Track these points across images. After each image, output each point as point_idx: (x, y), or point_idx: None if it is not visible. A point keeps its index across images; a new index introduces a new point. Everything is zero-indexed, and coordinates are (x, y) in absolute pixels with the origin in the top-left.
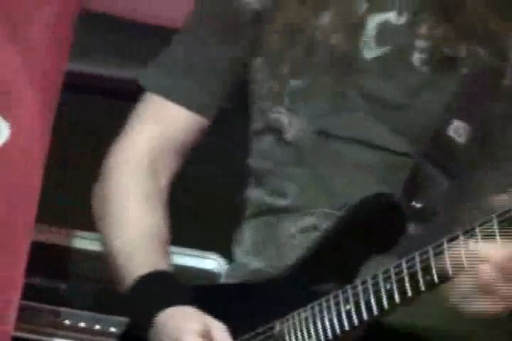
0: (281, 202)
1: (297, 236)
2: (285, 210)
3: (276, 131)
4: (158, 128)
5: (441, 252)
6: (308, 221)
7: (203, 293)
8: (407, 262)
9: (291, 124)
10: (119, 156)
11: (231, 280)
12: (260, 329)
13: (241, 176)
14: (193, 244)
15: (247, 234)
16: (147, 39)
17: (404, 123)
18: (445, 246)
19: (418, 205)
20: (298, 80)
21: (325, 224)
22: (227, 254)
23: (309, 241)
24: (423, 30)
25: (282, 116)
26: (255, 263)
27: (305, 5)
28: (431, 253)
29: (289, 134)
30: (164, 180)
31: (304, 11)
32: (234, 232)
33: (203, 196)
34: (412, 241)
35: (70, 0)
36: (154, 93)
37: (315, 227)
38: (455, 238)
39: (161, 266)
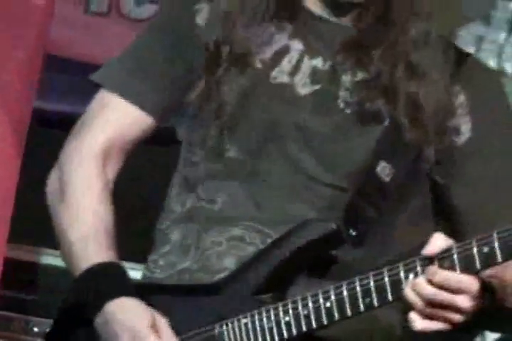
0: (211, 209)
1: (224, 244)
2: (215, 218)
3: (213, 148)
4: (110, 125)
5: (382, 278)
6: (236, 232)
7: (145, 290)
8: (348, 284)
9: (229, 144)
10: (76, 147)
11: (156, 278)
12: (199, 330)
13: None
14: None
15: (176, 236)
16: None
17: (331, 156)
18: (385, 273)
19: (353, 233)
20: (236, 107)
21: (251, 237)
22: None
23: (236, 250)
24: (345, 80)
25: (219, 141)
26: (182, 264)
27: (251, 42)
28: (371, 278)
29: (227, 154)
30: (111, 174)
31: (250, 46)
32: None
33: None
34: (346, 265)
35: (37, 46)
36: (110, 90)
37: (242, 239)
38: (395, 267)
39: (114, 258)
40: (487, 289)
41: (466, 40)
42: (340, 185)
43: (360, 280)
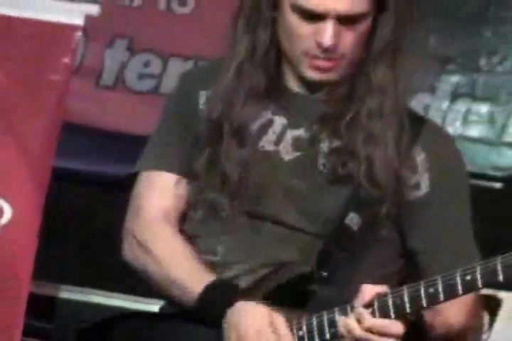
0: (213, 259)
1: None
2: (215, 264)
3: (211, 207)
4: (160, 194)
5: (346, 313)
6: (233, 273)
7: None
8: (317, 317)
9: (226, 206)
10: (140, 219)
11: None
12: None
13: None
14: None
15: None
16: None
17: (310, 210)
18: (336, 313)
19: (325, 274)
20: (231, 170)
21: (245, 276)
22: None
23: None
24: (323, 147)
25: (218, 198)
26: None
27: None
28: (336, 312)
29: (223, 213)
30: (177, 228)
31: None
32: None
33: None
34: (318, 300)
35: (56, 114)
36: (146, 169)
37: (237, 277)
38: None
39: (215, 277)
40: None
41: (415, 108)
42: (316, 233)
43: (318, 316)
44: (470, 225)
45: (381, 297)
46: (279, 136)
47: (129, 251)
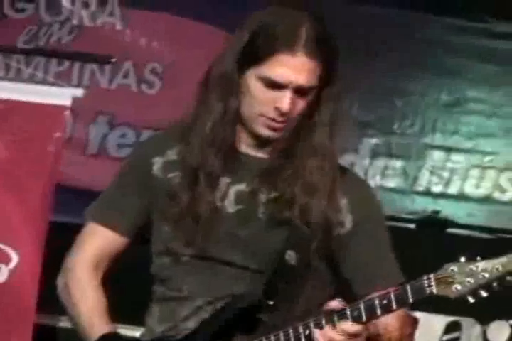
0: (179, 294)
1: (188, 315)
2: (181, 299)
3: (173, 254)
4: (96, 245)
5: (298, 332)
6: (197, 304)
7: None
8: (266, 338)
9: (185, 251)
10: (74, 262)
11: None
12: None
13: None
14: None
15: (156, 311)
16: None
17: (252, 251)
18: (300, 328)
19: (271, 303)
20: (188, 224)
21: (206, 307)
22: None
23: (198, 317)
24: (262, 198)
25: (179, 246)
26: (159, 329)
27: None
28: (291, 331)
29: (184, 258)
30: (100, 277)
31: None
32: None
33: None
34: (265, 325)
35: (51, 178)
36: (93, 221)
37: (201, 308)
38: (307, 323)
39: (111, 329)
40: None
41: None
42: (260, 270)
43: (276, 335)
44: (391, 252)
45: (340, 310)
46: (224, 193)
47: (59, 286)
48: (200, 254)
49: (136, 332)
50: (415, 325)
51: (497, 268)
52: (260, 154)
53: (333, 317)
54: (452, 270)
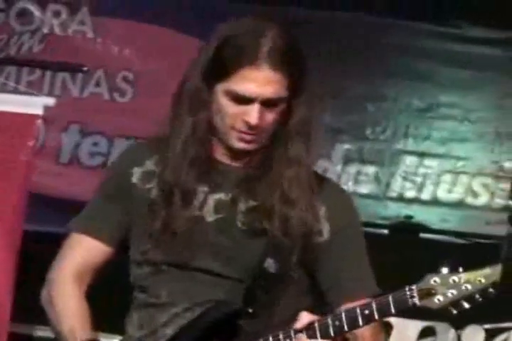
0: (157, 301)
1: (166, 321)
2: (160, 306)
3: (152, 263)
4: (80, 255)
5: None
6: (176, 310)
7: None
8: None
9: (164, 260)
10: (57, 273)
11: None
12: None
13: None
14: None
15: (135, 317)
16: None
17: (232, 260)
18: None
19: (250, 310)
20: (167, 234)
21: (184, 313)
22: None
23: (176, 324)
24: (241, 207)
25: (157, 256)
26: (138, 335)
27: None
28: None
29: (163, 267)
30: (84, 287)
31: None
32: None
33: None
34: (245, 333)
35: (24, 187)
36: (76, 232)
37: (179, 315)
38: (276, 335)
39: (93, 338)
40: None
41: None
42: (240, 278)
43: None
44: (367, 262)
45: (321, 320)
46: (202, 202)
47: (43, 297)
48: (179, 263)
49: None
50: (388, 332)
51: (479, 280)
52: (238, 164)
53: (302, 331)
54: (435, 281)
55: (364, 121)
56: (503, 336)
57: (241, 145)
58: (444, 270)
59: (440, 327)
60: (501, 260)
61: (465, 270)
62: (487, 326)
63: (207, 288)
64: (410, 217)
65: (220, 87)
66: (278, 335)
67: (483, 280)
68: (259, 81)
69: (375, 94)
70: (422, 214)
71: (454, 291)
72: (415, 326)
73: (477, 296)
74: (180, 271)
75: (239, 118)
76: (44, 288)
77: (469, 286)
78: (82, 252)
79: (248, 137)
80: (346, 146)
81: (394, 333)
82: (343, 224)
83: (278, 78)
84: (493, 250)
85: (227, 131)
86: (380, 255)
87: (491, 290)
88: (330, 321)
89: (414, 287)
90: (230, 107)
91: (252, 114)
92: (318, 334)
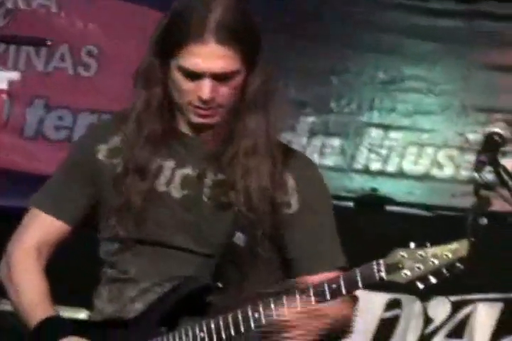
0: (126, 276)
1: (135, 296)
2: (128, 281)
3: (121, 240)
4: (39, 231)
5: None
6: (145, 285)
7: (83, 325)
8: (214, 319)
9: (133, 237)
10: (17, 247)
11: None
12: None
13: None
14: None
15: (104, 292)
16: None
17: (200, 235)
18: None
19: (220, 285)
20: (134, 210)
21: (154, 288)
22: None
23: (146, 299)
24: (207, 182)
25: (126, 232)
26: (108, 310)
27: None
28: (249, 310)
29: (132, 244)
30: (43, 262)
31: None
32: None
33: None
34: (214, 308)
35: None
36: (36, 207)
37: (148, 290)
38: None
39: (54, 312)
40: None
41: None
42: (209, 254)
43: (225, 317)
44: (335, 234)
45: (316, 285)
46: (169, 178)
47: (1, 271)
48: (148, 240)
49: (80, 314)
50: (355, 304)
51: (446, 255)
52: (203, 137)
53: (281, 299)
54: (402, 256)
55: (329, 94)
56: (468, 308)
57: (199, 120)
58: (412, 244)
59: (406, 299)
60: (467, 234)
61: (432, 245)
62: (453, 298)
63: (176, 264)
64: (376, 190)
65: (173, 63)
66: (246, 310)
67: (450, 255)
68: (206, 56)
69: (340, 67)
70: (387, 187)
71: (421, 266)
72: (381, 298)
73: (444, 271)
74: (150, 247)
75: (193, 94)
76: (2, 261)
77: (436, 261)
78: (41, 228)
79: (204, 112)
80: (311, 119)
81: (360, 306)
82: (311, 195)
83: (227, 52)
84: (459, 222)
85: (185, 107)
86: (345, 228)
87: (457, 264)
88: (297, 296)
89: (381, 261)
90: (184, 83)
91: (204, 89)
92: (312, 298)
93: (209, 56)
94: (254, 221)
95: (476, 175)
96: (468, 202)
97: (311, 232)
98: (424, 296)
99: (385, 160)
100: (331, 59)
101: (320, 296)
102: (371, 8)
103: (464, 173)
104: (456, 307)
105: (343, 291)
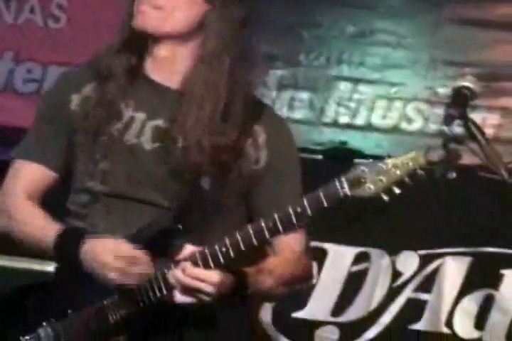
0: (94, 230)
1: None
2: (97, 234)
3: (91, 192)
4: (26, 180)
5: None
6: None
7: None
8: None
9: (102, 190)
10: (7, 198)
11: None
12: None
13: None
14: None
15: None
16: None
17: (171, 189)
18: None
19: (180, 227)
20: (105, 163)
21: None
22: None
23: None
24: (176, 132)
25: (96, 186)
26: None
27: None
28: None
29: (101, 197)
30: (36, 204)
31: (105, 119)
32: None
33: None
34: (177, 247)
35: None
36: (20, 158)
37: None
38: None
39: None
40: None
41: None
42: (177, 209)
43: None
44: (300, 190)
45: (201, 252)
46: (140, 129)
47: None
48: (117, 193)
49: (48, 267)
50: (322, 258)
51: (407, 163)
52: (171, 84)
53: (194, 257)
54: (363, 170)
55: (298, 47)
56: (437, 262)
57: (140, 21)
58: (370, 159)
59: (374, 252)
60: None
61: (390, 157)
62: (421, 252)
63: (146, 219)
64: (344, 143)
65: None
66: (163, 268)
67: (410, 163)
68: None
69: (309, 20)
70: (356, 140)
71: (383, 177)
72: (349, 252)
73: (406, 179)
74: (119, 200)
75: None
76: None
77: (398, 171)
78: (29, 177)
79: (144, 8)
80: (280, 72)
81: (328, 259)
82: (280, 152)
83: None
84: (428, 176)
85: (134, 14)
86: (313, 181)
87: (419, 172)
88: (263, 223)
89: (342, 178)
90: None
91: None
92: (200, 264)
93: None
94: (223, 175)
95: (445, 128)
96: (436, 155)
97: (278, 187)
98: (393, 250)
99: (354, 113)
100: (300, 12)
101: (287, 222)
102: None
103: (433, 126)
104: (425, 261)
105: (308, 212)
